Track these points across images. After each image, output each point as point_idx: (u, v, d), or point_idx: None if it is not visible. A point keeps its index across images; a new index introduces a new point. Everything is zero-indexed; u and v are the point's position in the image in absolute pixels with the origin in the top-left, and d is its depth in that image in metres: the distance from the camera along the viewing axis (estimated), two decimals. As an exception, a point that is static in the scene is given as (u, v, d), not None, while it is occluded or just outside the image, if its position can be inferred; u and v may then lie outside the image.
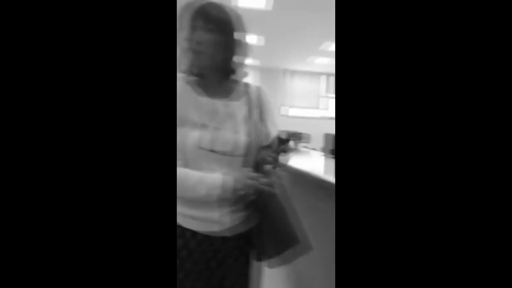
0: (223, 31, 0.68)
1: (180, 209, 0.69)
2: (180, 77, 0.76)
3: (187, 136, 0.68)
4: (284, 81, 6.65)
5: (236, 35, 0.71)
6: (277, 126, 0.80)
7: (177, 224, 0.69)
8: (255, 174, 0.66)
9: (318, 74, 6.70)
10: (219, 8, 0.70)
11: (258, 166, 0.72)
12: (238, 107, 0.74)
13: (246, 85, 0.79)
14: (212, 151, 0.68)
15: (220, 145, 0.68)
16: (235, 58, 0.73)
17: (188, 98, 0.72)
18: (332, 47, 4.74)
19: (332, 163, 1.78)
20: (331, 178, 1.13)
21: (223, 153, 0.68)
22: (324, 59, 5.57)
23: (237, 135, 0.70)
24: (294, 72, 6.65)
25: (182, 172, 0.67)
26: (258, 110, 0.76)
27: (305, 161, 1.83)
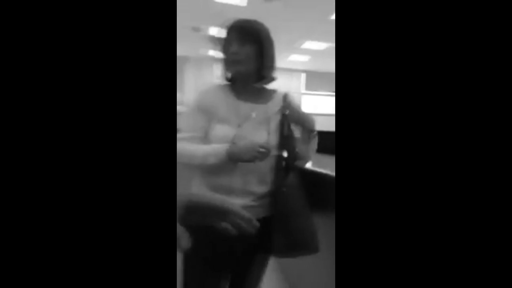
0: (255, 43, 0.81)
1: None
2: (217, 83, 0.90)
3: (221, 132, 0.81)
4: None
5: (266, 47, 0.84)
6: (310, 123, 0.89)
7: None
8: (258, 144, 0.76)
9: (297, 71, 6.94)
10: (251, 23, 0.83)
11: (279, 162, 0.82)
12: (266, 109, 0.85)
13: (274, 90, 0.92)
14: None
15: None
16: (265, 67, 0.85)
17: (226, 101, 0.84)
18: (307, 44, 4.97)
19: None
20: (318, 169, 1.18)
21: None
22: (300, 57, 5.80)
23: (263, 134, 0.82)
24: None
25: (190, 146, 0.81)
26: (284, 112, 0.86)
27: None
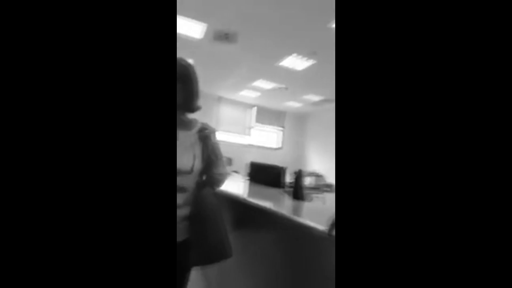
0: (179, 80, 0.90)
1: None
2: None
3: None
4: (217, 107, 7.04)
5: (188, 83, 0.94)
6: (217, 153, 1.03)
7: None
8: None
9: (248, 105, 7.33)
10: (180, 65, 0.93)
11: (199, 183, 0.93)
12: (190, 136, 0.96)
13: (196, 120, 1.03)
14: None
15: (179, 164, 0.87)
16: (189, 100, 0.95)
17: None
18: (258, 82, 5.37)
19: (252, 186, 1.96)
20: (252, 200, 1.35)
21: (179, 171, 0.87)
22: (251, 92, 6.20)
23: (189, 158, 0.91)
24: (225, 100, 7.13)
25: None
26: (203, 140, 0.98)
27: (230, 183, 1.88)
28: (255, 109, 7.51)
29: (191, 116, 1.03)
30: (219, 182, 1.07)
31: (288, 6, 2.73)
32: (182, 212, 0.92)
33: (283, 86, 5.39)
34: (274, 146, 7.82)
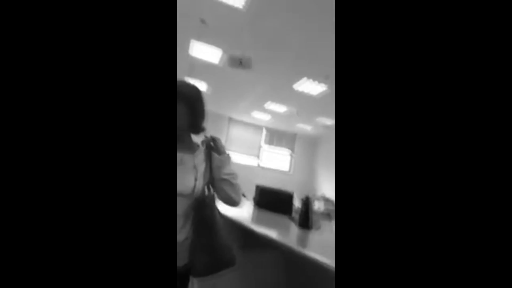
0: (184, 102, 0.91)
1: None
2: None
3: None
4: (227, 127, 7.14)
5: (194, 106, 0.94)
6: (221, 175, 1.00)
7: None
8: None
9: (260, 126, 7.40)
10: (183, 85, 0.94)
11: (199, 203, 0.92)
12: (193, 159, 0.96)
13: (196, 144, 1.02)
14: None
15: (179, 186, 0.86)
16: (194, 122, 0.95)
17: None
18: (269, 105, 5.44)
19: (258, 212, 1.83)
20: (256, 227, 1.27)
21: (181, 194, 0.88)
22: (262, 114, 6.27)
23: (191, 180, 0.91)
24: (236, 122, 7.23)
25: None
26: (207, 162, 0.98)
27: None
28: (264, 130, 7.56)
29: (195, 138, 1.04)
30: (229, 187, 0.98)
31: (301, 31, 2.81)
32: (181, 235, 0.91)
33: (294, 110, 5.43)
34: (284, 169, 7.75)
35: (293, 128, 7.22)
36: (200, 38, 3.20)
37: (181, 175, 0.88)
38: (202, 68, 3.98)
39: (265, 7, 2.51)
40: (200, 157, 0.98)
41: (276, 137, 7.72)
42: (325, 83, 3.93)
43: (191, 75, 4.10)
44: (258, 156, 7.48)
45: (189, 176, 0.92)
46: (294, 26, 2.73)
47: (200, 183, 0.94)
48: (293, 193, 1.92)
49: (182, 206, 0.90)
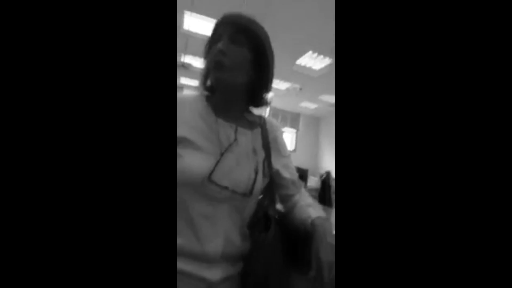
0: (253, 46, 0.57)
1: None
2: (192, 93, 0.65)
3: (191, 164, 0.52)
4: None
5: (264, 55, 0.59)
6: (290, 168, 0.66)
7: None
8: None
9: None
10: (252, 21, 0.59)
11: (257, 213, 0.58)
12: (251, 138, 0.61)
13: (261, 117, 0.67)
14: (226, 188, 0.53)
15: (233, 181, 0.54)
16: (259, 81, 0.60)
17: (202, 118, 0.58)
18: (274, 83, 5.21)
19: None
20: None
21: (234, 192, 0.54)
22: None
23: (250, 171, 0.56)
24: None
25: None
26: (269, 147, 0.63)
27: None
28: (268, 109, 7.36)
29: (256, 110, 0.66)
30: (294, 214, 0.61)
31: (303, 5, 2.57)
32: (235, 269, 0.57)
33: (297, 86, 5.21)
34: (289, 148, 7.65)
35: (296, 107, 7.01)
36: (197, 10, 2.94)
37: (234, 164, 0.55)
38: (199, 43, 3.74)
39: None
40: (258, 141, 0.62)
41: (281, 116, 7.52)
42: (330, 57, 3.69)
43: (185, 51, 3.86)
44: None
45: (246, 167, 0.57)
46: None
47: (260, 180, 0.58)
48: (307, 170, 1.82)
49: (230, 213, 0.55)
